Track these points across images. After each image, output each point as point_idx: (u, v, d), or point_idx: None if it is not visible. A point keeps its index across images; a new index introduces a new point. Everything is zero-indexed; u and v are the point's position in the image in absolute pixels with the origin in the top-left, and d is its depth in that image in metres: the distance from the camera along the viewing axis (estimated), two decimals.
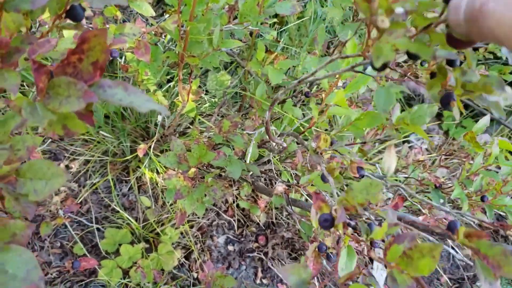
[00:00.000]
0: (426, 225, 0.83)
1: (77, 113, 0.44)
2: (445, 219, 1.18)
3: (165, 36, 1.38)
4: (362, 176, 0.88)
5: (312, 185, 1.17)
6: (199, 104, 1.80)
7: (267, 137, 1.00)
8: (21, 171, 0.47)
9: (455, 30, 0.39)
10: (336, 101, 0.95)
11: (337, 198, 0.50)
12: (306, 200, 1.63)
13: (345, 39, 1.43)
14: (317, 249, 0.70)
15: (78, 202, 1.60)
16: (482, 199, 1.19)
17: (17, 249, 0.38)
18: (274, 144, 1.23)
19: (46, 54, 0.64)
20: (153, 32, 1.12)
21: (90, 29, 0.98)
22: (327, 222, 0.51)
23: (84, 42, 0.42)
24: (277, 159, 1.60)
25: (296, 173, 1.70)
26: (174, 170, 1.20)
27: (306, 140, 1.49)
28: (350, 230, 0.91)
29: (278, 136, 0.96)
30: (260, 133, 1.26)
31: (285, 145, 0.90)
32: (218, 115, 1.75)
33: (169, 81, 1.72)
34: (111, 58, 1.00)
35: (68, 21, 0.54)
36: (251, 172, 1.43)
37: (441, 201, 1.34)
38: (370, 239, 0.54)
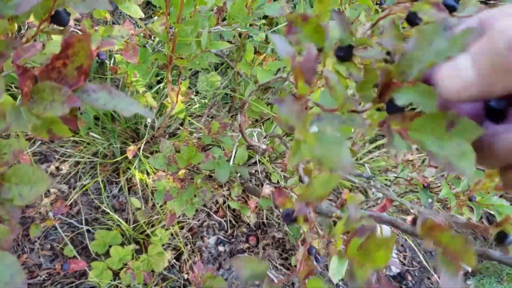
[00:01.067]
0: (401, 223, 0.83)
1: (61, 117, 0.44)
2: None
3: (154, 38, 1.38)
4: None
5: (299, 186, 1.18)
6: (189, 105, 1.80)
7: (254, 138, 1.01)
8: (6, 176, 0.47)
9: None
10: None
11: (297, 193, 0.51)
12: None
13: None
14: (307, 253, 0.70)
15: (68, 203, 1.60)
16: (470, 199, 1.20)
17: (0, 254, 0.38)
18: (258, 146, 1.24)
19: (32, 58, 0.64)
20: (142, 34, 1.13)
21: (78, 32, 0.98)
22: (289, 217, 0.51)
23: (69, 47, 0.42)
24: (267, 160, 1.61)
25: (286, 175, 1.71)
26: (163, 171, 1.20)
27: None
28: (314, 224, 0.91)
29: (264, 138, 0.96)
30: (248, 134, 1.27)
31: (264, 147, 0.91)
32: (208, 116, 1.75)
33: (159, 82, 1.72)
34: (99, 60, 1.00)
35: (55, 26, 0.54)
36: (239, 174, 1.43)
37: (430, 200, 1.36)
38: (331, 235, 0.54)
